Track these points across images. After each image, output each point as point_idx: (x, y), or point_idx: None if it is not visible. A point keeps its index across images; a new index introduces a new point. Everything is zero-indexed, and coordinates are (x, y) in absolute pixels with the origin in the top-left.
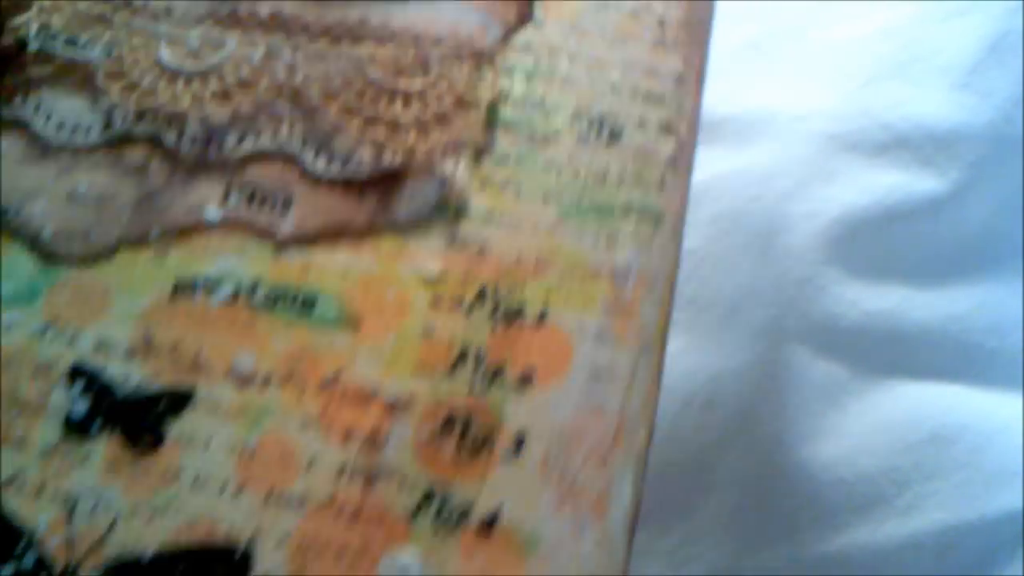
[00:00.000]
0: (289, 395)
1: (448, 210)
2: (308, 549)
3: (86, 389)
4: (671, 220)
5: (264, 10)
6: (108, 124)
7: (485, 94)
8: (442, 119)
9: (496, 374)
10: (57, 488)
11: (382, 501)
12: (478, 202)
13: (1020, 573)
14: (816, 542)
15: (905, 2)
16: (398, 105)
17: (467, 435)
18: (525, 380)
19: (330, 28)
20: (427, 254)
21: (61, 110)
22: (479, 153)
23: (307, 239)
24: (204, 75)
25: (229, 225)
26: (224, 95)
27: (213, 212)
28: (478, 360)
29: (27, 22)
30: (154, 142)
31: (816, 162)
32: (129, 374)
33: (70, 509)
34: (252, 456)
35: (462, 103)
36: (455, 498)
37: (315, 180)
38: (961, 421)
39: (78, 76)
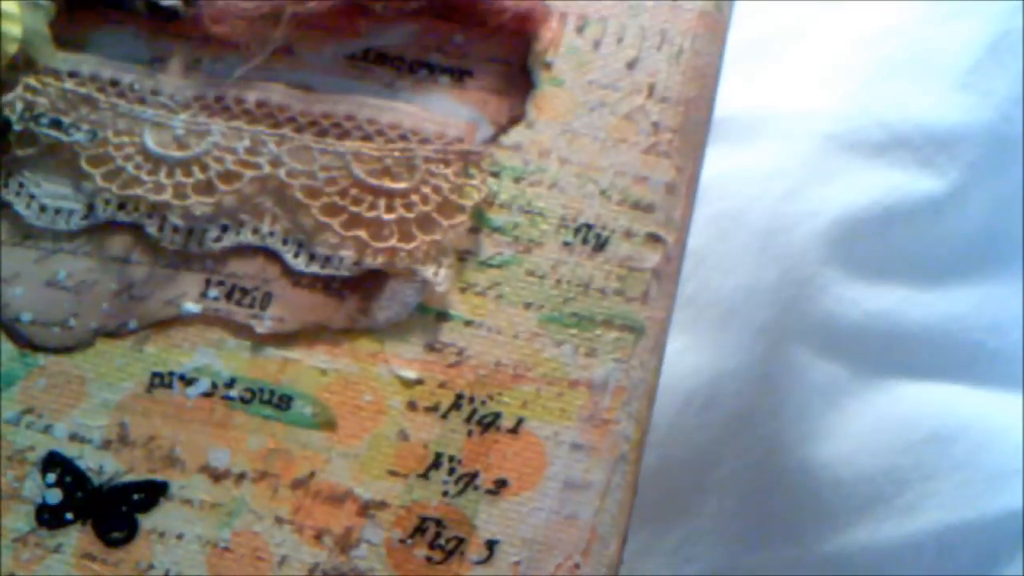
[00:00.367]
0: (263, 492)
1: (428, 313)
2: None
3: (60, 478)
4: (654, 332)
5: (251, 98)
6: (90, 210)
7: (471, 197)
8: (426, 221)
9: (470, 480)
10: None
11: None
12: (459, 306)
13: (1020, 573)
14: (816, 542)
15: (905, 2)
16: (382, 205)
17: (439, 540)
18: (499, 487)
19: (316, 121)
20: (405, 357)
21: (44, 193)
22: (462, 257)
23: (285, 338)
24: (188, 164)
25: (208, 319)
26: (208, 186)
27: (192, 306)
28: (452, 465)
29: (12, 101)
30: (136, 232)
31: (816, 162)
32: (103, 465)
33: None
34: (224, 552)
35: (447, 206)
36: None
37: (296, 277)
38: (961, 421)
39: (62, 158)
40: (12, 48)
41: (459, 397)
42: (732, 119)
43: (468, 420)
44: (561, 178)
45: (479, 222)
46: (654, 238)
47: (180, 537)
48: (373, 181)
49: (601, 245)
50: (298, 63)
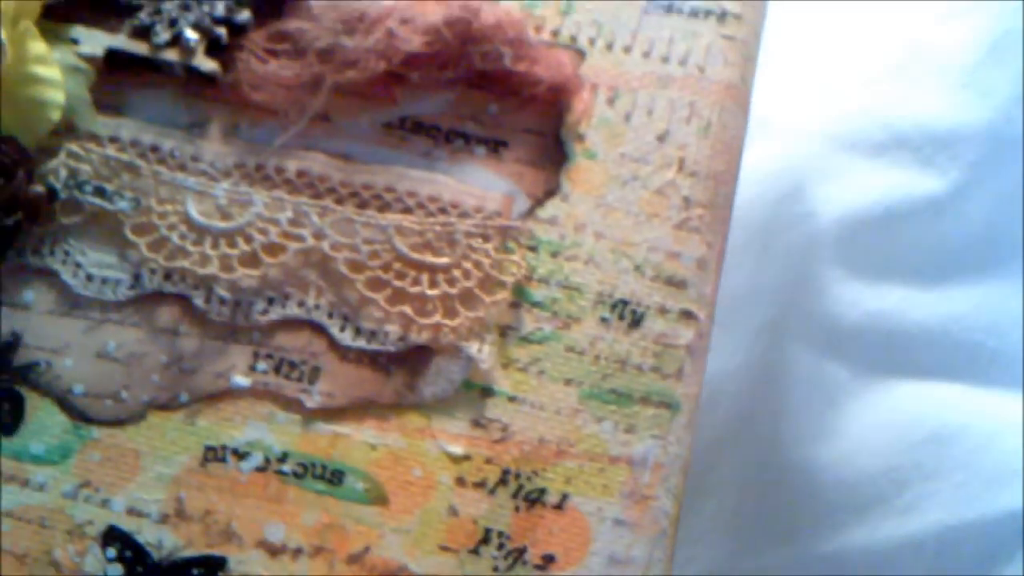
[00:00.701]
0: (320, 568)
1: (473, 389)
2: None
3: (121, 553)
4: (688, 408)
5: (292, 167)
6: (137, 280)
7: (511, 273)
8: (468, 297)
9: (519, 555)
10: None
11: None
12: (502, 382)
13: (1020, 573)
14: (816, 542)
15: (905, 2)
16: (425, 281)
17: None
18: (547, 563)
19: (357, 192)
20: (452, 433)
21: (90, 261)
22: (504, 332)
23: (335, 412)
24: (232, 235)
25: (257, 393)
26: (253, 259)
27: (242, 379)
28: (502, 541)
29: (56, 168)
30: (183, 302)
31: (816, 162)
32: (162, 539)
33: None
34: None
35: (488, 281)
36: None
37: (343, 351)
38: (961, 421)
39: (107, 226)
40: (55, 116)
41: (505, 473)
42: None
43: (515, 496)
44: (597, 253)
45: (519, 297)
46: (687, 315)
47: None
48: (415, 256)
49: (637, 321)
50: (336, 131)
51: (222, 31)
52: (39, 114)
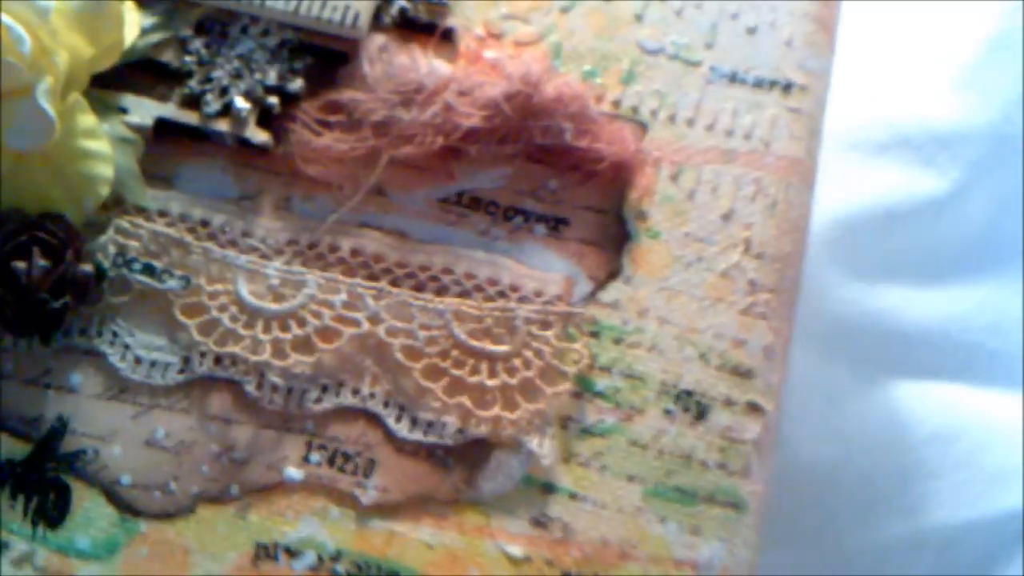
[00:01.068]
0: None
1: (533, 485)
2: None
3: None
4: (755, 507)
5: (346, 246)
6: (187, 363)
7: (573, 361)
8: (529, 388)
9: None
10: None
11: None
12: (563, 478)
13: (1020, 573)
14: (817, 542)
15: (905, 2)
16: (484, 370)
17: None
18: None
19: (414, 273)
20: (512, 532)
21: (138, 343)
22: (564, 423)
23: (390, 508)
24: (284, 318)
25: (311, 487)
26: (306, 344)
27: (295, 472)
28: None
29: (105, 245)
30: (235, 389)
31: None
32: None
33: None
34: None
35: (550, 372)
36: None
37: (399, 443)
38: (961, 421)
39: (156, 305)
40: (104, 191)
41: None
42: None
43: None
44: (660, 340)
45: (581, 386)
46: (754, 407)
47: None
48: (474, 343)
49: (702, 414)
50: (391, 206)
51: (274, 101)
52: (88, 190)
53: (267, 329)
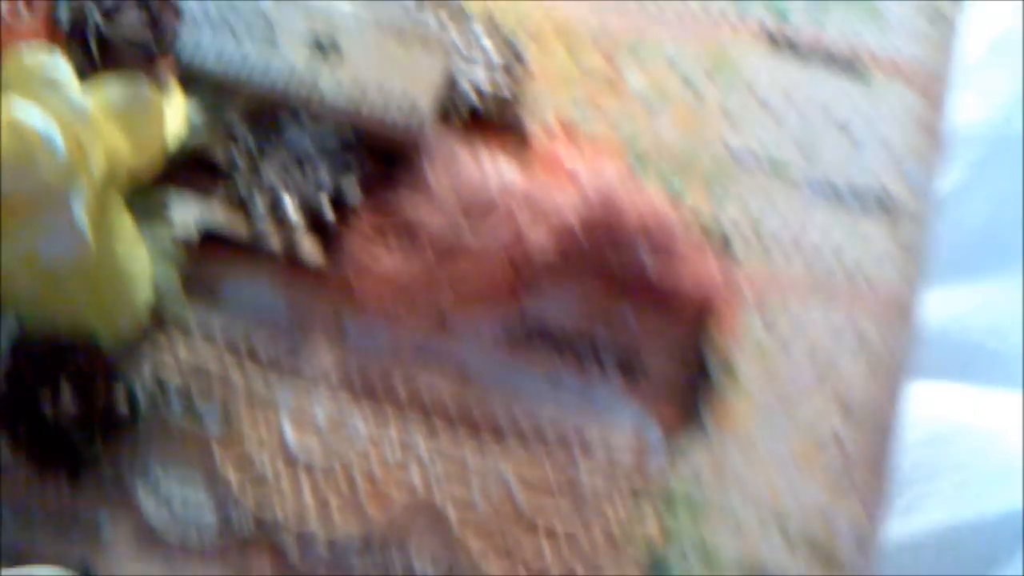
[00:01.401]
0: None
1: None
2: None
3: None
4: None
5: (401, 383)
6: (226, 523)
7: (642, 533)
8: (593, 564)
9: None
10: None
11: None
12: None
13: (1020, 573)
14: None
15: None
16: (545, 543)
17: None
18: None
19: (472, 419)
20: None
21: (175, 497)
22: None
23: None
24: (331, 471)
25: None
26: (354, 503)
27: None
28: None
29: (141, 374)
30: (276, 554)
31: None
32: None
33: None
34: None
35: (615, 543)
36: None
37: None
38: (961, 421)
39: (194, 446)
40: (143, 311)
41: None
42: None
43: None
44: (739, 511)
45: (650, 562)
46: None
47: None
48: (536, 514)
49: None
50: (451, 336)
51: (327, 209)
52: (125, 309)
53: (313, 487)
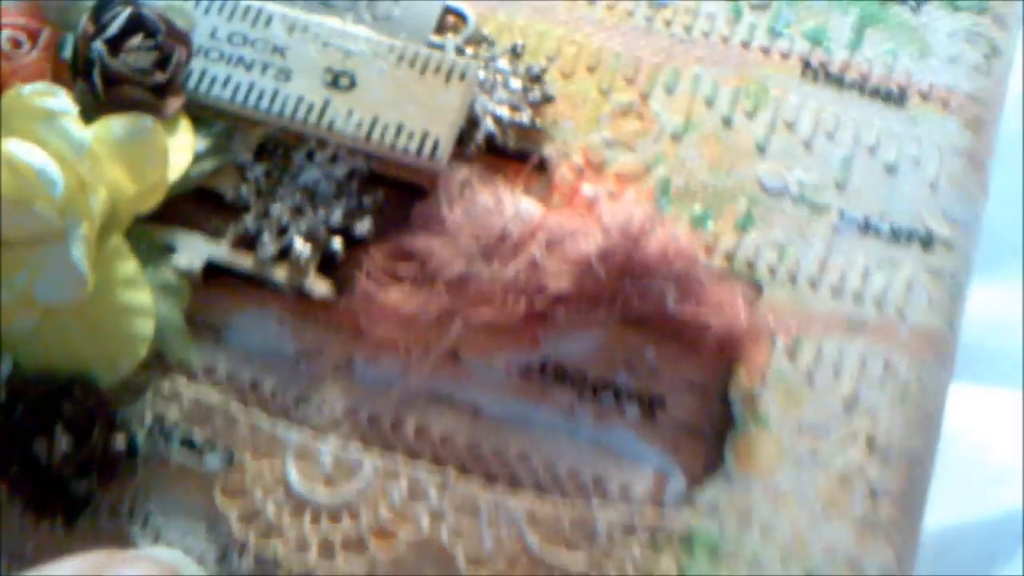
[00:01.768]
0: None
1: None
2: None
3: None
4: None
5: (410, 424)
6: (224, 559)
7: None
8: None
9: None
10: None
11: None
12: None
13: (1020, 573)
14: None
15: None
16: None
17: None
18: None
19: (485, 461)
20: None
21: (172, 534)
22: None
23: None
24: (336, 512)
25: None
26: (358, 543)
27: None
28: None
29: (141, 412)
30: None
31: None
32: None
33: None
34: None
35: None
36: None
37: None
38: (961, 421)
39: (195, 485)
40: (143, 350)
41: None
42: None
43: None
44: (762, 555)
45: None
46: None
47: None
48: (548, 556)
49: None
50: (465, 375)
51: (337, 245)
52: (125, 349)
53: (315, 521)
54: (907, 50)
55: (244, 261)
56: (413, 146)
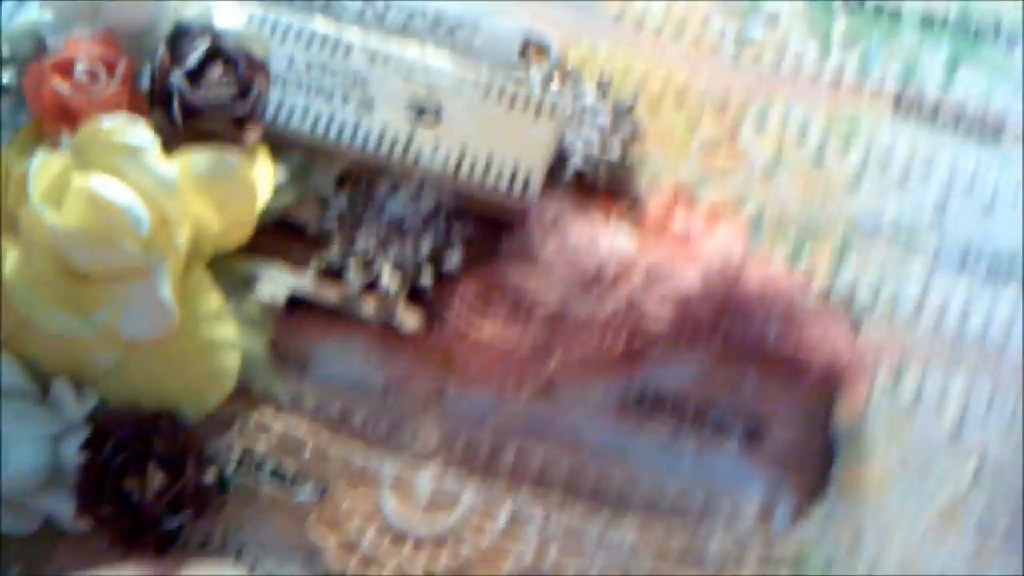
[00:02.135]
0: None
1: None
2: None
3: None
4: None
5: (509, 454)
6: None
7: None
8: None
9: None
10: None
11: None
12: None
13: (1020, 573)
14: None
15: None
16: None
17: None
18: None
19: (589, 491)
20: None
21: (269, 564)
22: None
23: None
24: (436, 542)
25: None
26: (459, 574)
27: None
28: None
29: (229, 447)
30: None
31: None
32: None
33: None
34: None
35: None
36: None
37: None
38: None
39: (288, 517)
40: (229, 384)
41: None
42: None
43: None
44: None
45: None
46: None
47: None
48: None
49: None
50: (561, 404)
51: (427, 280)
52: (211, 384)
53: (415, 558)
54: (1001, 84)
55: (329, 294)
56: (504, 181)
